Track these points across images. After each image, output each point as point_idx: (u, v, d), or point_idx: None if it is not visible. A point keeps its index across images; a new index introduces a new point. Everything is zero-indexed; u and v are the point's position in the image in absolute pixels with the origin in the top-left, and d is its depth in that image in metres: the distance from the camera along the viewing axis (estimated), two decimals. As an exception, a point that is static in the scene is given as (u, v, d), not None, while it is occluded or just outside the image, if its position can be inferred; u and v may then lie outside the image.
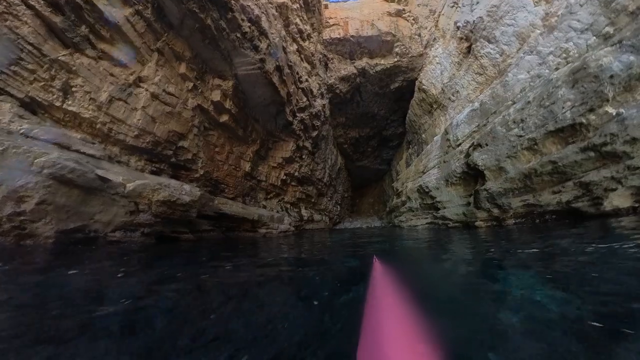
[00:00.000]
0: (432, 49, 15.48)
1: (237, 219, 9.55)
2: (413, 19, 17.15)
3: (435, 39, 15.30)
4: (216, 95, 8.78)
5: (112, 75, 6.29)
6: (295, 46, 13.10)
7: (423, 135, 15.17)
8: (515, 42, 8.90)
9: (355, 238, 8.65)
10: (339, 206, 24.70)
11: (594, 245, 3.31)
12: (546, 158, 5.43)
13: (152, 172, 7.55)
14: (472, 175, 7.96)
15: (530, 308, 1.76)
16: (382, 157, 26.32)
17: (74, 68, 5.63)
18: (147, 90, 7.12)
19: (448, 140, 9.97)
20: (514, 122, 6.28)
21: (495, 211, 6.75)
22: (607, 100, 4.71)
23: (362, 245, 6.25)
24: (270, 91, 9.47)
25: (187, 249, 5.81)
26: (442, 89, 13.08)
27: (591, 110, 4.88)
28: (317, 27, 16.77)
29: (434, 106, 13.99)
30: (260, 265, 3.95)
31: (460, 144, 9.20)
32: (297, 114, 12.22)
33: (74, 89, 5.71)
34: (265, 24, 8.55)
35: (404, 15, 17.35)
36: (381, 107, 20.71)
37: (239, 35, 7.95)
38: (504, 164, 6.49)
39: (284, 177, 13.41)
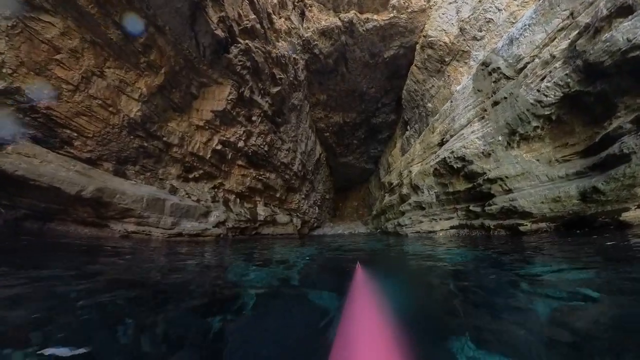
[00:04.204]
0: (441, -6, 11.78)
1: (43, 191, 4.37)
2: (414, -32, 13.67)
3: (445, -19, 11.69)
4: None
5: None
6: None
7: (429, 105, 10.97)
8: None
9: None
10: (317, 208, 19.84)
11: None
12: None
13: None
14: (593, 102, 3.42)
15: None
16: (369, 154, 22.27)
17: None
18: None
19: (495, 71, 5.69)
20: None
21: None
22: None
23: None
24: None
25: None
26: (461, 30, 9.14)
27: None
28: (290, -42, 12.63)
29: (447, 59, 9.97)
30: None
31: (526, 65, 4.86)
32: (240, 39, 7.49)
33: None
34: None
35: (403, -35, 13.84)
36: (371, 83, 16.65)
37: None
38: None
39: (219, 147, 8.42)
